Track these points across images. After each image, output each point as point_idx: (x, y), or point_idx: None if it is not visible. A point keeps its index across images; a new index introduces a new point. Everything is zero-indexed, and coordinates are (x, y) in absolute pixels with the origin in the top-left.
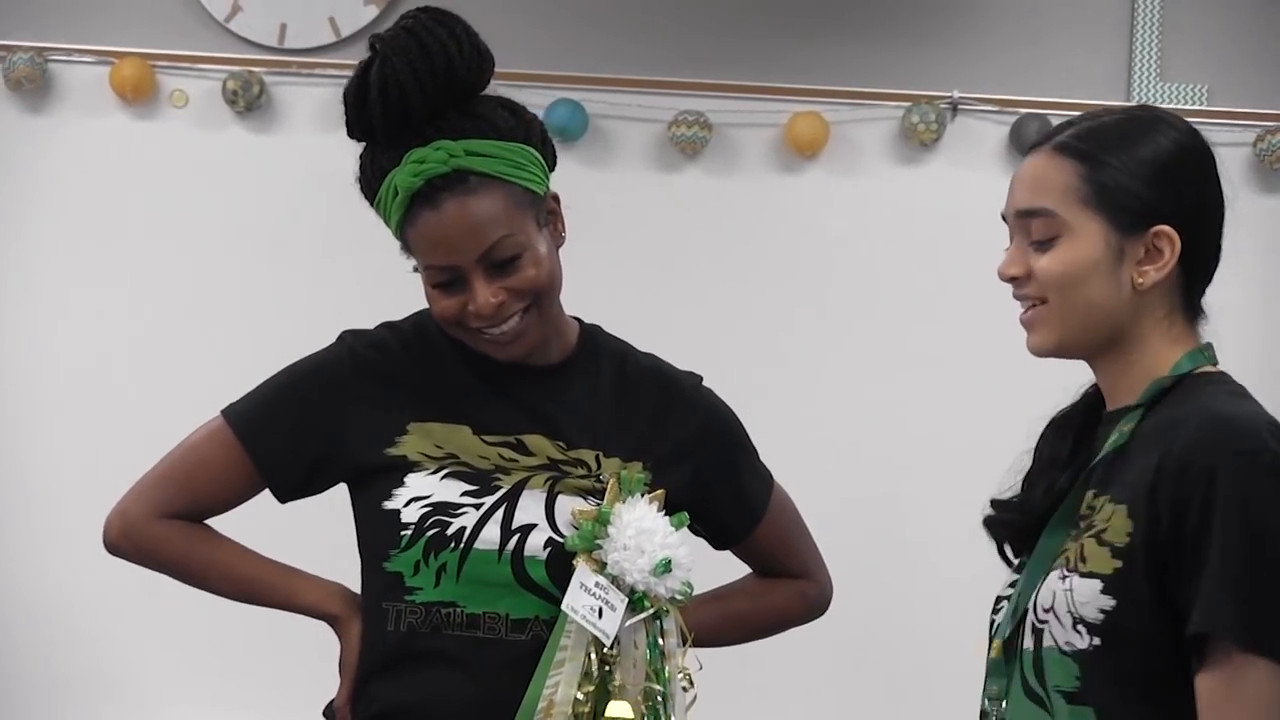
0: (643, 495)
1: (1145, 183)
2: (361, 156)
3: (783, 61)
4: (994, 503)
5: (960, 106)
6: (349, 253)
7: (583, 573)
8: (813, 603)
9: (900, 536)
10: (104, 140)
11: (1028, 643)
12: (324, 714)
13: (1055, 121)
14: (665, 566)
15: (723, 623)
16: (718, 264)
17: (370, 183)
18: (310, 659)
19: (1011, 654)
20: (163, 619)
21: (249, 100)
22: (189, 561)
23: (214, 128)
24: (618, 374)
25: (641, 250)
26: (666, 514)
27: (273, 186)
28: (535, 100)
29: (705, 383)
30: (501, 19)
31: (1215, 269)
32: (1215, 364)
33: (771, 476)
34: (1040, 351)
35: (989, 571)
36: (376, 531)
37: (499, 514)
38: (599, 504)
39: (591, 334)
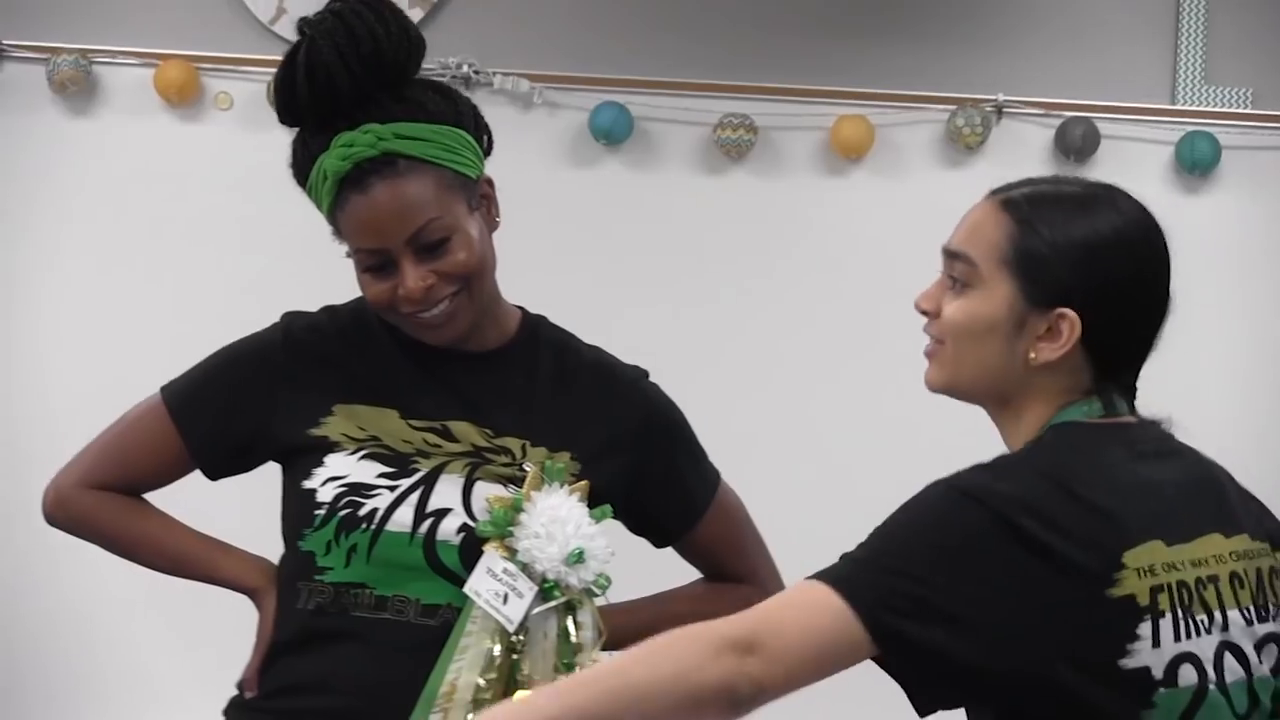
0: (564, 485)
1: (1065, 262)
2: (293, 142)
3: (828, 64)
4: None
5: (1005, 110)
6: None
7: (490, 558)
8: None
9: None
10: (148, 142)
11: None
12: (236, 686)
13: (1100, 125)
14: (578, 556)
15: (661, 625)
16: (762, 267)
17: (301, 168)
18: None
19: None
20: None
21: None
22: (118, 532)
23: (259, 130)
24: (556, 363)
25: (685, 253)
26: (592, 506)
27: None
28: (580, 103)
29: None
30: (547, 22)
31: (1140, 358)
32: (1112, 414)
33: (718, 476)
34: (931, 387)
35: None
36: (294, 510)
37: (414, 497)
38: (519, 491)
39: (534, 323)
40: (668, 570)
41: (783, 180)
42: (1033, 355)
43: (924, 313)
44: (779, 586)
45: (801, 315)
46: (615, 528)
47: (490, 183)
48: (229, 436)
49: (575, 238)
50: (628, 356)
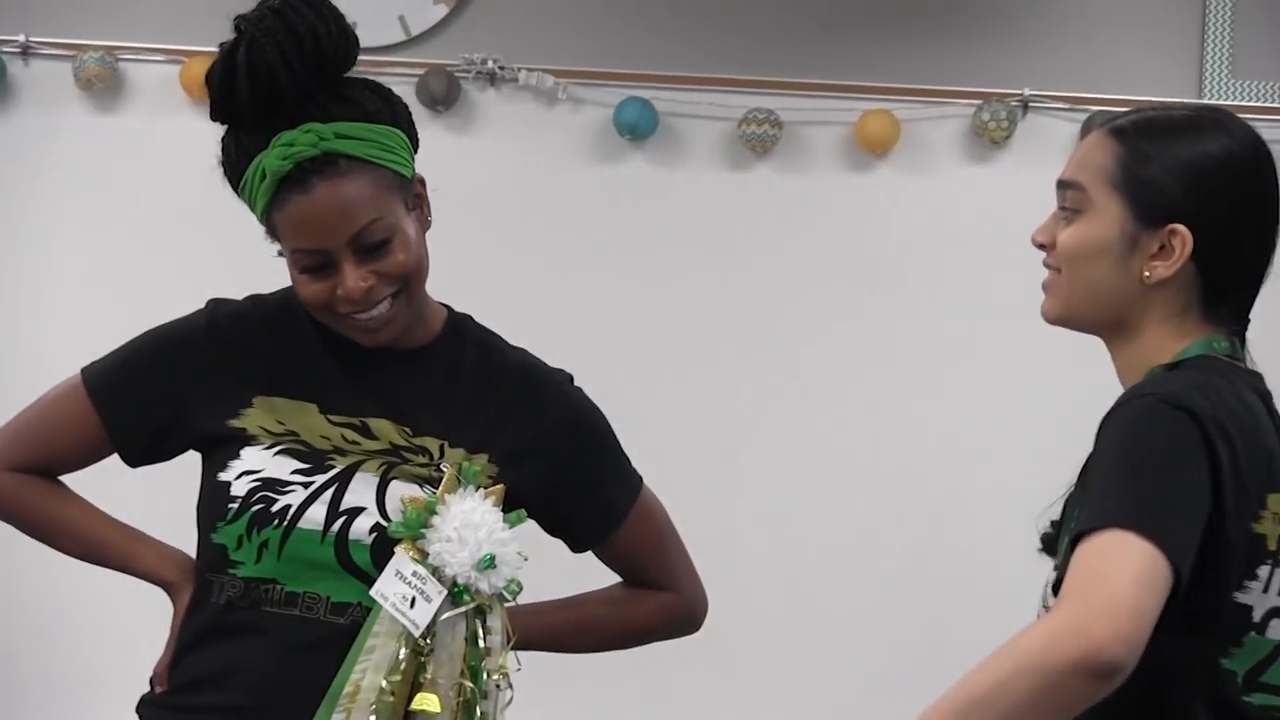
0: (480, 489)
1: (1175, 181)
2: (224, 140)
3: (853, 59)
4: (1052, 523)
5: (1031, 104)
6: None
7: (400, 560)
8: (676, 617)
9: (974, 531)
10: (174, 139)
11: None
12: (149, 682)
13: None
14: (489, 562)
15: (576, 629)
16: (787, 263)
17: (235, 167)
18: None
19: None
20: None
21: None
22: (36, 516)
23: None
24: (480, 364)
25: (710, 249)
26: (509, 509)
27: None
28: (605, 98)
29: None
30: (571, 17)
31: (1250, 283)
32: (1231, 355)
33: (640, 482)
34: (1048, 318)
35: None
36: (209, 502)
37: (327, 494)
38: (434, 493)
39: (458, 322)
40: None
41: (808, 175)
42: (1147, 274)
43: (1040, 246)
44: (699, 593)
45: (828, 310)
46: (532, 529)
47: (423, 182)
48: (148, 420)
49: (599, 233)
50: (651, 352)
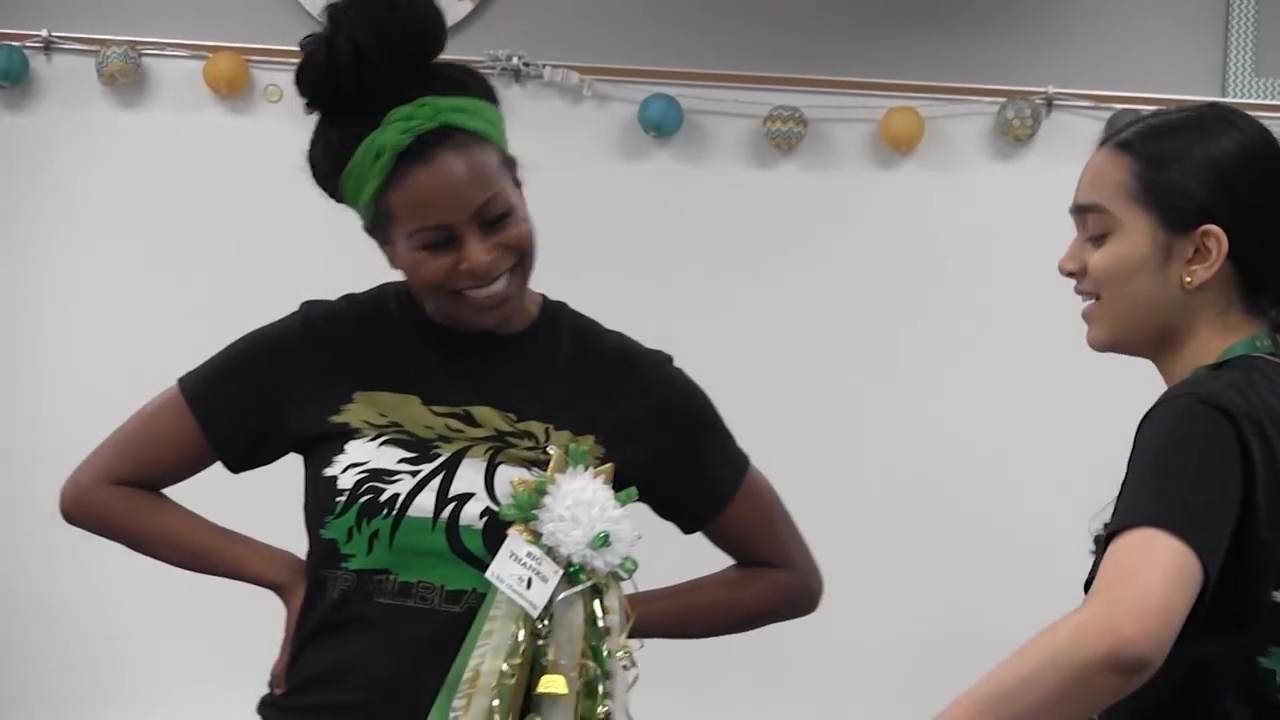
0: (588, 468)
1: (1199, 183)
2: (318, 133)
3: (878, 57)
4: (1105, 525)
5: (1055, 102)
6: None
7: (514, 541)
8: (791, 596)
9: (1011, 532)
10: (198, 135)
11: None
12: (268, 682)
13: None
14: (603, 540)
15: (692, 614)
16: (811, 260)
17: (337, 154)
18: None
19: None
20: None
21: None
22: (135, 528)
23: (308, 122)
24: (578, 348)
25: (735, 246)
26: (616, 490)
27: None
28: (630, 95)
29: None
30: (596, 14)
31: None
32: (1275, 353)
33: (746, 460)
34: (1097, 347)
35: None
36: (316, 498)
37: (435, 482)
38: (542, 475)
39: (554, 308)
40: (702, 554)
41: (832, 173)
42: (1188, 279)
43: (1069, 274)
44: (814, 570)
45: (852, 306)
46: (644, 515)
47: (516, 163)
48: (249, 426)
49: (624, 230)
50: (676, 349)
